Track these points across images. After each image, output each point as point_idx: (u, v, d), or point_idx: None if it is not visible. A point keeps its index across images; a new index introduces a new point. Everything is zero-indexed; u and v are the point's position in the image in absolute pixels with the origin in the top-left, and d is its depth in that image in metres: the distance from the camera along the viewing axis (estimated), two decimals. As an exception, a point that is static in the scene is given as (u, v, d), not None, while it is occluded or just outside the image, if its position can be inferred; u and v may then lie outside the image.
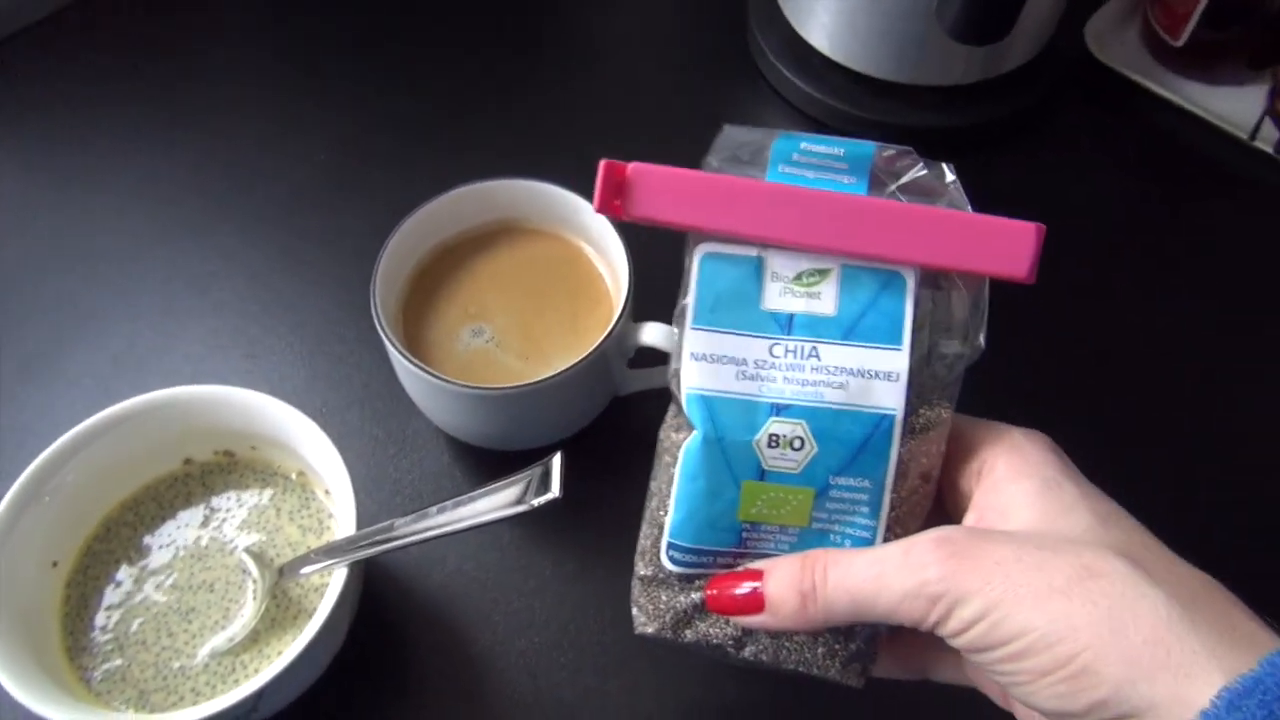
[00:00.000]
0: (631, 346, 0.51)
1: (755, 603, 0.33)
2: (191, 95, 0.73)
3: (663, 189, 0.34)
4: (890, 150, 0.35)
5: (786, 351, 0.34)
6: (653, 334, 0.50)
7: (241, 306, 0.61)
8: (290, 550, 0.47)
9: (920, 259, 0.33)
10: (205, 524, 0.48)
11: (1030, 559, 0.29)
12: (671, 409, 0.36)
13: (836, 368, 0.33)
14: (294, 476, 0.49)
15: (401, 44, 0.76)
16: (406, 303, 0.53)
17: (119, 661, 0.44)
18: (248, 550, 0.47)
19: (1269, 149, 0.68)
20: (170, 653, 0.45)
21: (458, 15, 0.77)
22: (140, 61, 0.75)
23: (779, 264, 0.34)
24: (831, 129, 0.69)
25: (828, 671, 0.35)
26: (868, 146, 0.35)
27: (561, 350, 0.51)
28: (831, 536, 0.34)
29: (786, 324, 0.34)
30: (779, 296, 0.34)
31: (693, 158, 0.36)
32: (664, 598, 0.36)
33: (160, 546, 0.47)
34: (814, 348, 0.33)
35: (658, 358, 0.50)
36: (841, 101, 0.69)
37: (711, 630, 0.35)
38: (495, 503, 0.39)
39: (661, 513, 0.35)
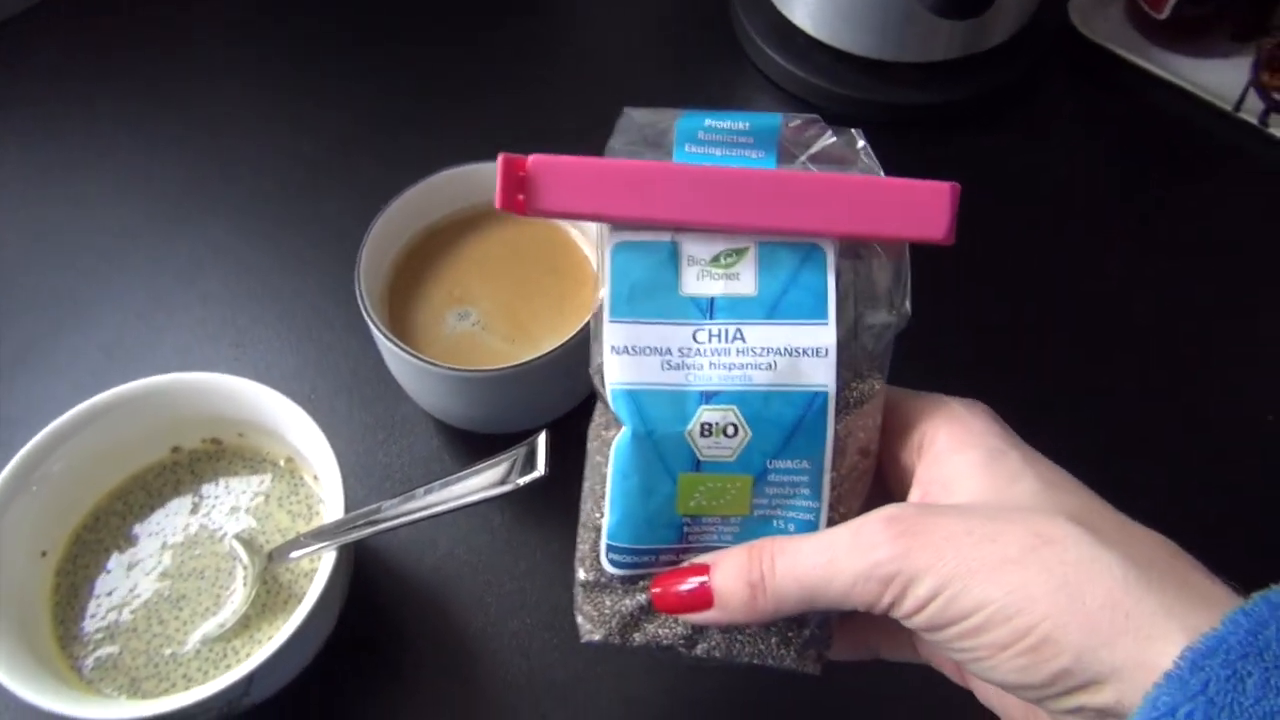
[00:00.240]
0: (618, 327, 0.51)
1: (703, 598, 0.32)
2: (175, 87, 0.72)
3: (566, 180, 0.32)
4: (797, 120, 0.34)
5: (710, 336, 0.32)
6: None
7: (228, 296, 0.61)
8: (280, 536, 0.47)
9: (836, 229, 0.32)
10: (194, 511, 0.48)
11: (981, 531, 0.28)
12: (598, 407, 0.34)
13: (763, 348, 0.32)
14: (282, 463, 0.49)
15: (381, 30, 0.76)
16: (392, 287, 0.53)
17: (110, 649, 0.44)
18: (237, 537, 0.47)
19: (1253, 120, 0.68)
20: (161, 640, 0.45)
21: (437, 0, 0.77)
22: (124, 54, 0.74)
23: (694, 247, 0.33)
24: (816, 108, 0.69)
25: (783, 661, 0.34)
26: (774, 118, 0.34)
27: (547, 332, 0.51)
28: (775, 522, 0.33)
29: (708, 308, 0.33)
30: (697, 281, 0.33)
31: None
32: (608, 603, 0.34)
33: (149, 535, 0.47)
34: (738, 330, 0.32)
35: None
36: (825, 80, 0.69)
37: (661, 631, 0.34)
38: (481, 483, 0.39)
39: (597, 515, 0.34)
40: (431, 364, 0.48)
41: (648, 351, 0.33)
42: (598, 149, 0.34)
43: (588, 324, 0.48)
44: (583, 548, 0.34)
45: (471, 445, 0.55)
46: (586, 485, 0.34)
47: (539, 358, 0.47)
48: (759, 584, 0.31)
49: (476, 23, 0.76)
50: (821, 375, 0.32)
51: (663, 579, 0.33)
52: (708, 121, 0.34)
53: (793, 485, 0.32)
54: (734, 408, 0.32)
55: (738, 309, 0.33)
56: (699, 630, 0.34)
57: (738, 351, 0.32)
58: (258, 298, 0.61)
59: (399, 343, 0.48)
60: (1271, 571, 0.27)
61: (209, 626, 0.45)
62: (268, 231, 0.64)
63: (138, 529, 0.48)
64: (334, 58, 0.74)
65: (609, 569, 0.34)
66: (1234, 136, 0.69)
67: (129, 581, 0.46)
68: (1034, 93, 0.72)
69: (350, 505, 0.44)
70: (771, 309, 0.33)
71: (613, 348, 0.33)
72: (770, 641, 0.34)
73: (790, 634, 0.34)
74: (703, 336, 0.32)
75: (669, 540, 0.33)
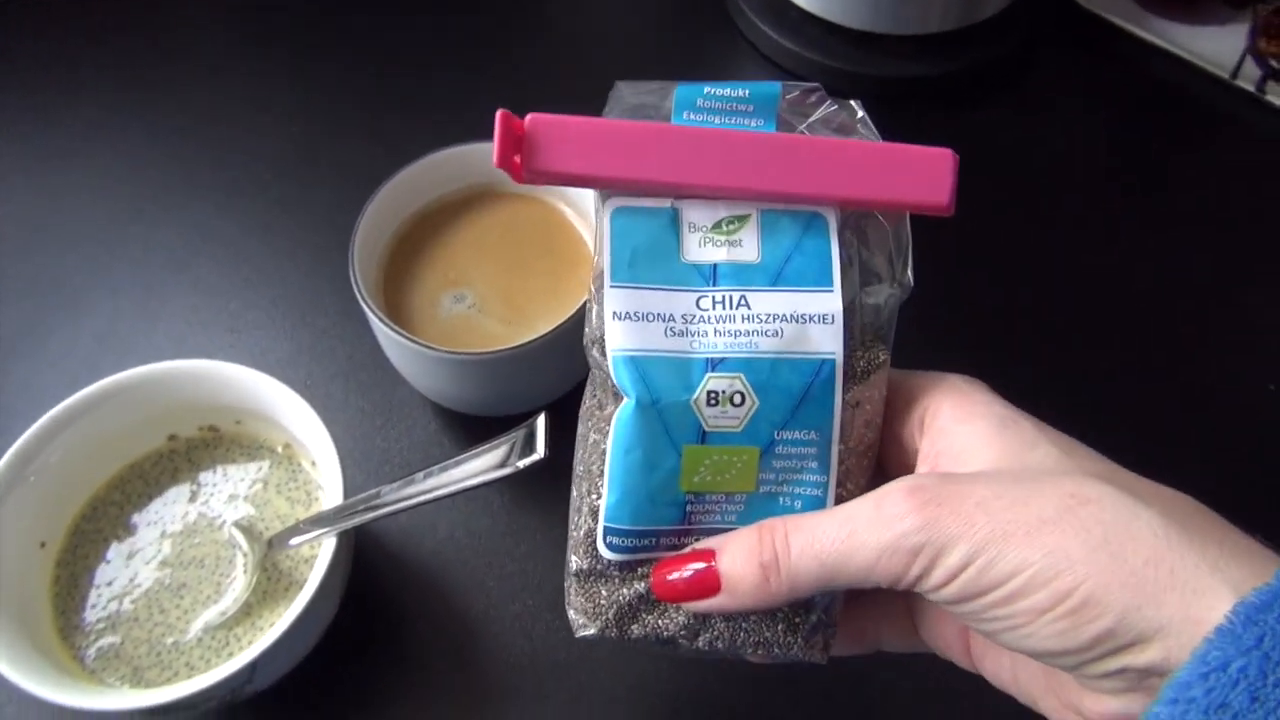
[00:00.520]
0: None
1: (710, 583, 0.31)
2: (162, 71, 0.72)
3: (564, 140, 0.31)
4: (796, 90, 0.34)
5: (714, 303, 0.32)
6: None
7: (222, 282, 0.61)
8: (279, 523, 0.47)
9: (838, 193, 0.32)
10: (193, 500, 0.48)
11: (1012, 494, 0.27)
12: (588, 390, 0.33)
13: (769, 315, 0.31)
14: (280, 450, 0.49)
15: (369, 11, 0.75)
16: (387, 271, 0.53)
17: (112, 639, 0.44)
18: (236, 524, 0.47)
19: (1250, 87, 0.68)
20: (163, 629, 0.45)
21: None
22: (110, 38, 0.74)
23: (695, 214, 0.32)
24: (809, 81, 0.69)
25: (789, 650, 0.33)
26: (774, 87, 0.33)
27: (544, 313, 0.51)
28: (781, 500, 0.32)
29: (710, 275, 0.32)
30: (699, 247, 0.32)
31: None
32: (604, 593, 0.33)
33: (148, 524, 0.47)
34: (742, 296, 0.32)
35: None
36: (818, 53, 0.68)
37: (660, 622, 0.33)
38: (480, 466, 0.39)
39: (594, 497, 0.32)
40: (428, 347, 0.47)
41: (650, 318, 0.32)
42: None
43: (585, 304, 0.48)
44: (576, 534, 0.33)
45: (470, 428, 0.55)
46: (579, 469, 0.33)
47: (536, 339, 0.47)
48: (771, 565, 0.30)
49: (467, 3, 0.75)
50: (829, 342, 0.31)
51: (663, 565, 0.32)
52: (707, 89, 0.33)
53: (800, 458, 0.32)
54: (741, 375, 0.31)
55: (741, 276, 0.32)
56: (701, 620, 0.33)
57: (743, 318, 0.32)
58: (251, 283, 0.61)
59: (395, 327, 0.48)
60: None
61: (210, 614, 0.45)
62: (260, 216, 0.64)
63: (136, 518, 0.47)
64: (325, 40, 0.74)
65: (606, 554, 0.32)
66: (1231, 104, 0.69)
67: (129, 571, 0.46)
68: (1029, 64, 0.72)
69: (349, 491, 0.44)
70: (776, 276, 0.32)
71: (614, 313, 0.32)
72: (776, 629, 0.33)
73: (797, 620, 0.33)
74: (706, 303, 0.32)
75: (671, 520, 0.32)
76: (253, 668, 0.40)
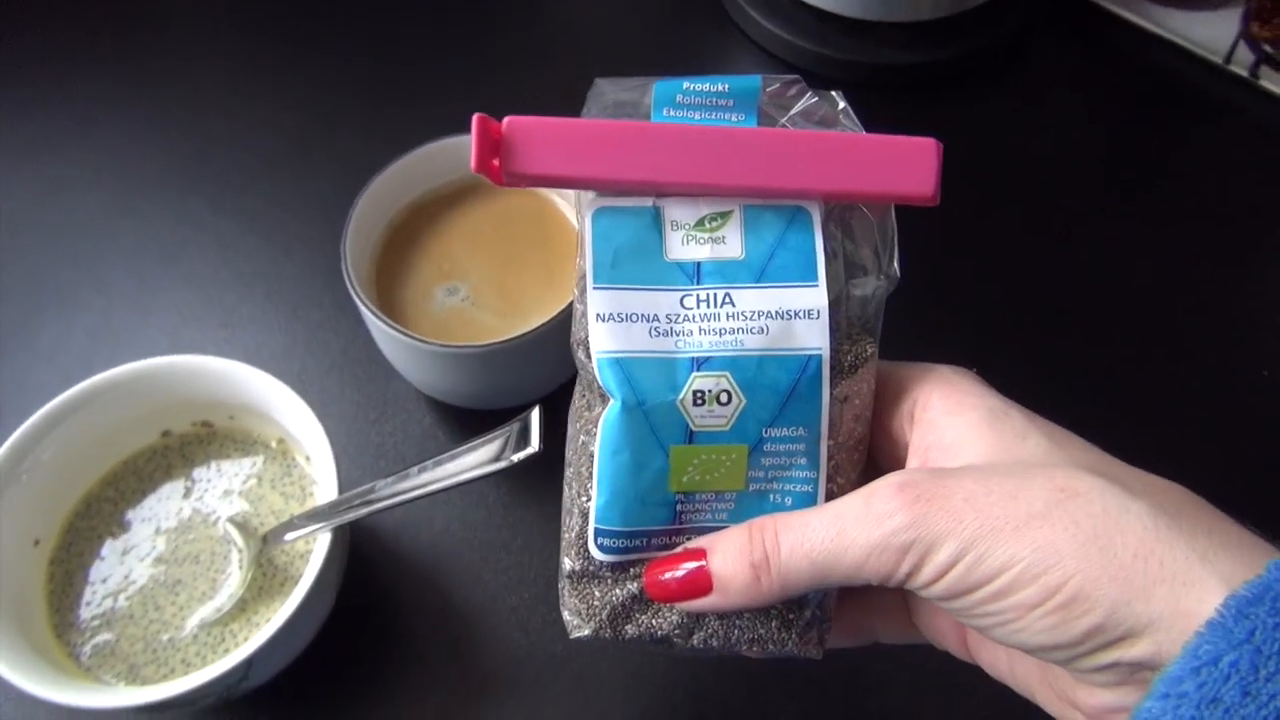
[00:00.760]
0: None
1: (701, 583, 0.31)
2: (152, 63, 0.71)
3: (543, 142, 0.31)
4: (776, 83, 0.33)
5: (699, 301, 0.31)
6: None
7: (214, 276, 0.61)
8: (274, 518, 0.47)
9: (821, 187, 0.32)
10: (187, 496, 0.48)
11: (1000, 489, 0.27)
12: (577, 390, 0.33)
13: (753, 312, 0.31)
14: (274, 445, 0.49)
15: (362, 2, 0.75)
16: (379, 264, 0.53)
17: (108, 636, 0.44)
18: (231, 520, 0.47)
19: (1244, 72, 0.68)
20: (159, 625, 0.45)
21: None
22: (100, 30, 0.73)
23: (677, 211, 0.32)
24: (800, 70, 0.68)
25: (784, 646, 0.33)
26: (753, 80, 0.33)
27: (538, 305, 0.51)
28: (771, 497, 0.32)
29: (694, 273, 0.32)
30: (682, 245, 0.32)
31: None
32: (597, 594, 0.33)
33: (142, 520, 0.47)
34: (727, 294, 0.31)
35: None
36: (810, 41, 0.68)
37: (654, 621, 0.32)
38: (475, 460, 0.39)
39: (584, 499, 0.32)
40: (422, 341, 0.47)
41: (634, 319, 0.31)
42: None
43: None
44: (568, 536, 0.33)
45: (465, 422, 0.55)
46: (570, 471, 0.33)
47: (530, 331, 0.47)
48: (762, 564, 0.30)
49: (457, -8, 0.75)
50: (815, 338, 0.31)
51: (655, 566, 0.32)
52: (686, 85, 0.33)
53: (789, 455, 0.32)
54: (727, 374, 0.31)
55: (725, 273, 0.32)
56: (695, 619, 0.33)
57: (728, 316, 0.31)
58: (244, 277, 0.60)
59: (388, 320, 0.48)
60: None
61: (206, 611, 0.45)
62: (252, 210, 0.63)
63: (130, 515, 0.47)
64: (317, 32, 0.73)
65: (598, 555, 0.32)
66: (1224, 89, 0.68)
67: (124, 568, 0.46)
68: (1023, 51, 0.72)
69: (344, 485, 0.44)
70: (760, 272, 0.32)
71: (598, 315, 0.31)
72: (770, 626, 0.33)
73: (791, 616, 0.33)
74: (690, 302, 0.32)
75: (662, 520, 0.32)
76: (249, 664, 0.40)
